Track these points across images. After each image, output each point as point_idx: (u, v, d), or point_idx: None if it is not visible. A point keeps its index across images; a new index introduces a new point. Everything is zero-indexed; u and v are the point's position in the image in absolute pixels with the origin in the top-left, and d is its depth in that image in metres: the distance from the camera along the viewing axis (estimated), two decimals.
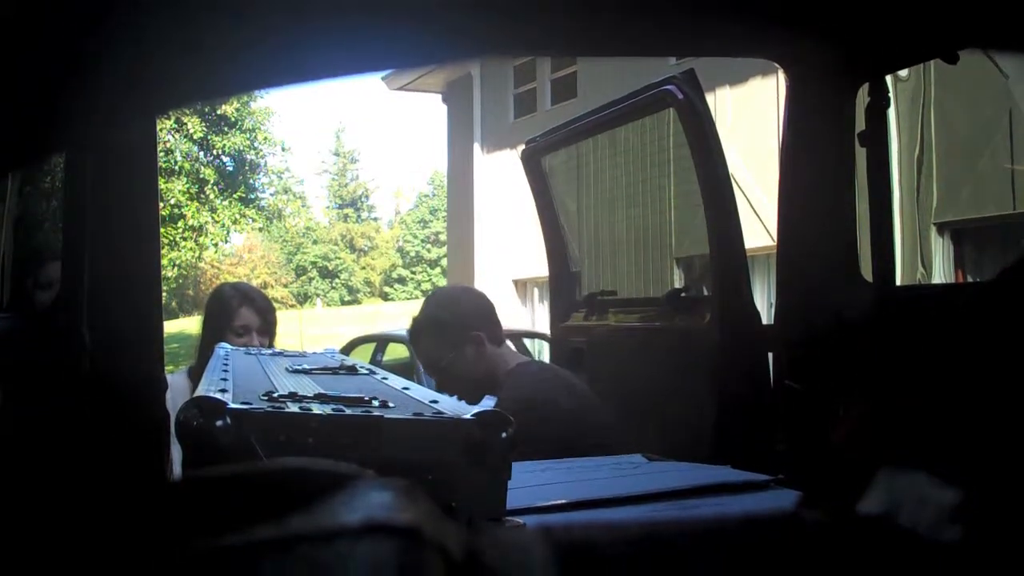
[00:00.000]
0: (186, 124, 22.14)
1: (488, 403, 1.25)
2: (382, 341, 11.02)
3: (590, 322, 3.19)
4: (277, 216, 27.26)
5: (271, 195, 26.32)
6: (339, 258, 55.95)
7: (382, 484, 0.63)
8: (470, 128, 17.55)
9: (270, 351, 2.34)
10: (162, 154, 21.07)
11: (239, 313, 2.93)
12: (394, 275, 55.69)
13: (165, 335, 1.76)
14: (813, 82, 2.03)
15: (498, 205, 16.09)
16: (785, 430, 2.12)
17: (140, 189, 1.67)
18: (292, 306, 47.08)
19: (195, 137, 22.58)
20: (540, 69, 16.01)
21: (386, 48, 0.88)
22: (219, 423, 1.11)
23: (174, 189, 21.91)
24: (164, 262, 21.38)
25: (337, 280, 55.88)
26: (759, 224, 7.77)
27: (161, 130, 20.46)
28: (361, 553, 0.45)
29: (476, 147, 17.37)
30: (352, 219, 58.39)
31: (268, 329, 2.99)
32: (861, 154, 2.00)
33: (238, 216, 23.69)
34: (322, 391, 1.38)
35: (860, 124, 2.00)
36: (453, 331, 2.64)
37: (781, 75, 2.14)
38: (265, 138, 24.32)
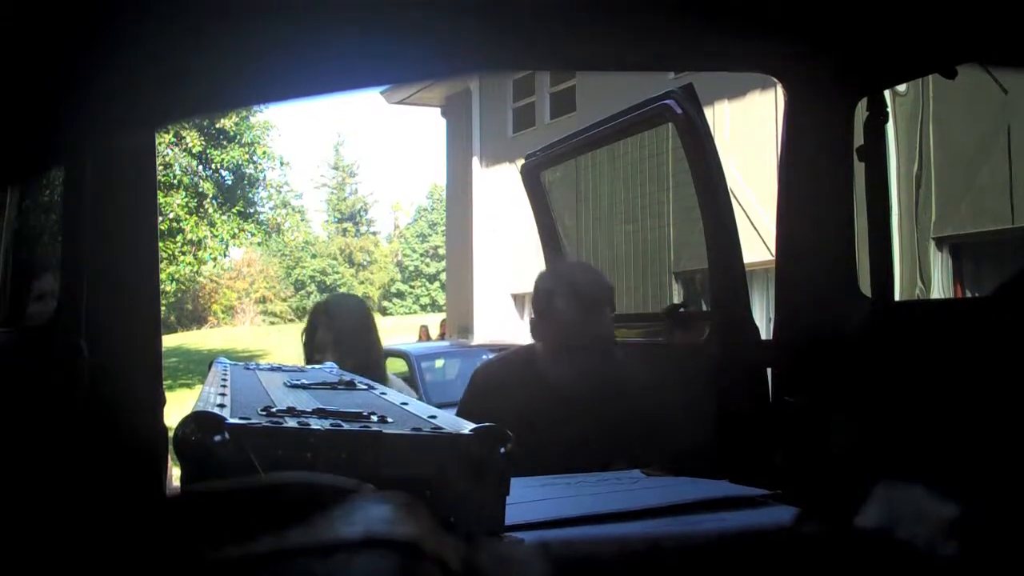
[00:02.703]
0: (185, 138, 22.13)
1: None
2: None
3: None
4: (276, 230, 27.23)
5: (270, 209, 26.29)
6: (338, 272, 55.92)
7: (381, 499, 0.63)
8: (469, 142, 17.58)
9: (268, 366, 2.33)
10: (161, 168, 21.07)
11: (318, 334, 3.02)
12: (393, 289, 55.65)
13: (164, 349, 1.76)
14: (812, 96, 2.03)
15: (497, 219, 16.10)
16: (783, 445, 2.11)
17: (139, 203, 1.67)
18: (290, 320, 47.04)
19: (194, 151, 22.56)
20: (539, 83, 16.05)
21: (385, 62, 0.88)
22: (217, 438, 1.11)
23: (173, 203, 21.88)
24: (163, 276, 21.35)
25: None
26: (758, 239, 7.77)
27: (160, 144, 20.46)
28: (360, 567, 0.45)
29: (475, 161, 17.40)
30: (351, 233, 58.38)
31: (345, 348, 2.97)
32: (860, 169, 2.01)
33: (237, 230, 23.66)
34: (321, 406, 1.37)
35: (859, 139, 2.01)
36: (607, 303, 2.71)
37: (779, 89, 2.14)
38: (264, 152, 24.30)
